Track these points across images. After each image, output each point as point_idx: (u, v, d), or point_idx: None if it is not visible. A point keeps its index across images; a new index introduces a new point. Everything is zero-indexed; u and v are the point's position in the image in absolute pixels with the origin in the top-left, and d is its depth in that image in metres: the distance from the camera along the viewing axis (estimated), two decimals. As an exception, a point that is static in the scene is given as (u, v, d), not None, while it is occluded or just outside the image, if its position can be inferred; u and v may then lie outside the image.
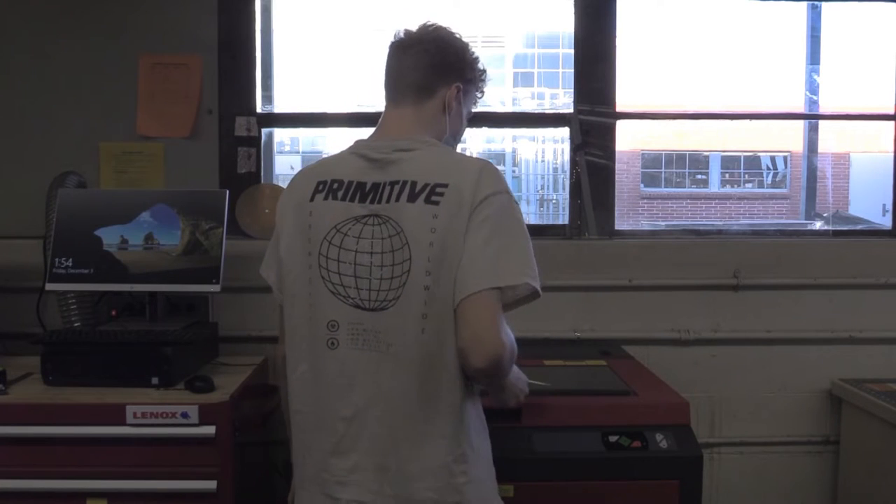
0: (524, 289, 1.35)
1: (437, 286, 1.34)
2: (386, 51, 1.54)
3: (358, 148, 1.48)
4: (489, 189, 1.36)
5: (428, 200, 1.36)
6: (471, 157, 1.50)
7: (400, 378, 1.37)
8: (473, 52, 1.55)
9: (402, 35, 1.53)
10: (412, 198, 1.37)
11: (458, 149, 1.61)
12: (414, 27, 1.53)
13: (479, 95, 1.60)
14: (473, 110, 1.63)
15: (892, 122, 2.79)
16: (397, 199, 1.38)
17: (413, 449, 1.38)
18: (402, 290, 1.36)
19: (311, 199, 1.45)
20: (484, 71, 1.58)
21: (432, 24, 1.53)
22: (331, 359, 1.41)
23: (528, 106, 13.08)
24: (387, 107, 1.53)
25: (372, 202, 1.40)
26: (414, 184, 1.38)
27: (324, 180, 1.45)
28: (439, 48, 1.50)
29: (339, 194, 1.43)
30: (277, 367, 1.60)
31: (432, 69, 1.49)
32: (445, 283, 1.34)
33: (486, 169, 1.39)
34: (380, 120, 1.54)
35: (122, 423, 1.86)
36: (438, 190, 1.36)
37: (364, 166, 1.44)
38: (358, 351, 1.39)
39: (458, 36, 1.54)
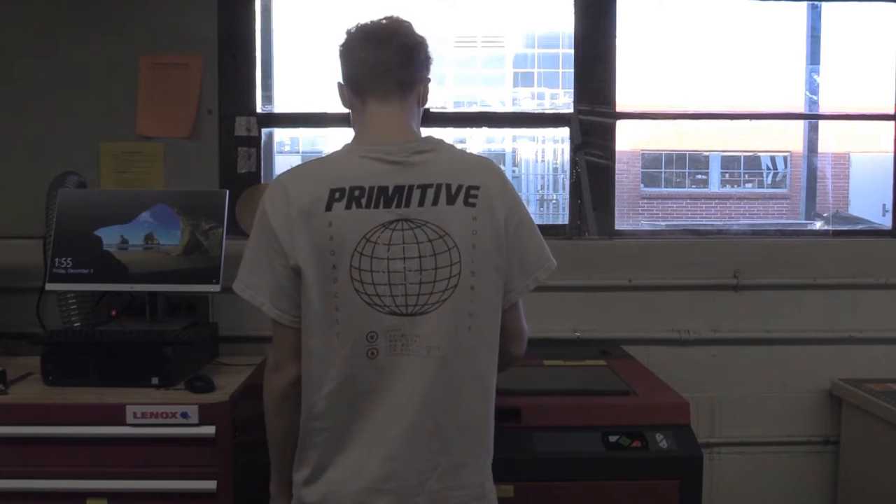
0: (547, 270, 1.50)
1: (481, 285, 1.39)
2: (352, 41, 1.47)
3: (366, 151, 1.40)
4: (512, 196, 1.45)
5: (466, 203, 1.39)
6: (480, 157, 1.51)
7: (443, 379, 1.37)
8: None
9: (368, 26, 1.46)
10: (451, 200, 1.38)
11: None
12: (375, 18, 1.47)
13: None
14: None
15: (892, 122, 2.79)
16: (434, 203, 1.37)
17: (462, 447, 1.40)
18: (451, 293, 1.37)
19: (328, 209, 1.36)
20: None
21: (396, 17, 1.48)
22: (370, 368, 1.37)
23: (528, 106, 13.08)
24: (370, 103, 1.46)
25: (399, 206, 1.36)
26: (448, 186, 1.38)
27: (340, 188, 1.36)
28: (417, 42, 1.47)
29: (363, 202, 1.36)
30: (275, 388, 1.45)
31: (412, 63, 1.46)
32: (487, 283, 1.40)
33: (502, 173, 1.47)
34: (364, 118, 1.47)
35: (122, 423, 1.86)
36: (473, 192, 1.39)
37: (383, 170, 1.38)
38: (396, 357, 1.37)
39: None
